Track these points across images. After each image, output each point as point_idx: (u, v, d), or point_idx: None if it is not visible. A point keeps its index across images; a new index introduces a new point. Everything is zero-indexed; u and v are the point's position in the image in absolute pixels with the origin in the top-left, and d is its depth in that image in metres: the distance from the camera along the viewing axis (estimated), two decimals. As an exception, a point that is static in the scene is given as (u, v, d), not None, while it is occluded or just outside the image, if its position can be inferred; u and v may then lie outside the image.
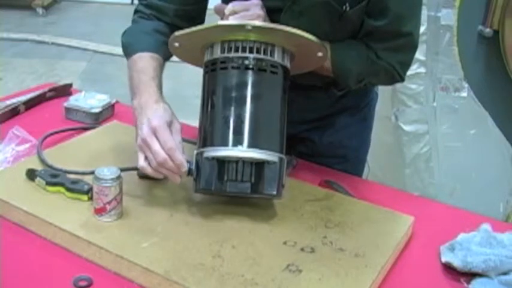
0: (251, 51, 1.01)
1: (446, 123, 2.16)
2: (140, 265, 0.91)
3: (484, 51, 2.08)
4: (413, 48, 1.21)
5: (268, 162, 0.99)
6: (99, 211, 1.00)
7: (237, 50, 1.01)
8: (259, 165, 0.99)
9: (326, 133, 1.39)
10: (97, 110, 1.44)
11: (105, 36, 4.97)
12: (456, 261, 0.98)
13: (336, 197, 1.15)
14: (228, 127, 1.00)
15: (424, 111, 2.15)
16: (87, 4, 6.00)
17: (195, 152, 1.02)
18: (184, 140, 1.28)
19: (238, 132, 0.99)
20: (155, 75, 1.11)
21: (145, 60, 1.14)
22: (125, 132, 1.33)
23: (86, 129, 1.38)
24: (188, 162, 1.01)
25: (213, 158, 0.99)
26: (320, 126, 1.38)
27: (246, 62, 1.01)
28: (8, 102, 1.47)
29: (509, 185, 2.21)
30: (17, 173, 1.11)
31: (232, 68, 1.02)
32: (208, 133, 1.02)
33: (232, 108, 1.01)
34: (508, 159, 2.19)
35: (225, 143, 0.99)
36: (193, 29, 1.03)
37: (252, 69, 1.01)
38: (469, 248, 0.99)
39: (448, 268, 1.00)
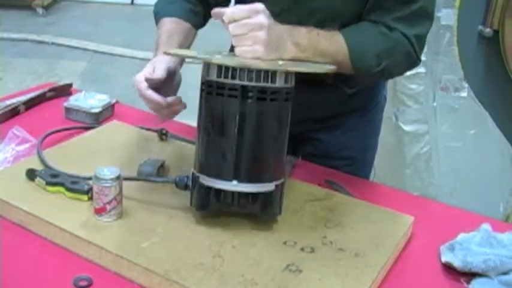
0: (250, 79, 0.93)
1: (446, 123, 2.16)
2: (140, 265, 0.91)
3: (484, 51, 2.08)
4: (428, 18, 1.14)
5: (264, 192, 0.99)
6: (99, 211, 1.00)
7: (234, 77, 0.93)
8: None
9: (335, 134, 1.38)
10: (97, 110, 1.43)
11: (105, 36, 4.97)
12: (456, 261, 0.98)
13: (336, 197, 1.15)
14: (223, 160, 0.97)
15: (424, 111, 2.15)
16: (87, 4, 6.00)
17: (192, 170, 1.01)
18: (184, 140, 1.30)
19: (233, 167, 0.96)
20: (168, 36, 1.18)
21: (164, 25, 1.22)
22: (125, 132, 1.34)
23: (86, 129, 1.38)
24: (186, 177, 1.03)
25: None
26: (328, 126, 1.37)
27: (244, 91, 0.93)
28: (8, 102, 1.47)
29: (509, 185, 2.22)
30: (17, 173, 1.11)
31: (229, 96, 0.94)
32: (204, 160, 0.99)
33: (228, 140, 0.96)
34: (508, 159, 2.19)
35: (219, 176, 0.97)
36: (186, 54, 0.99)
37: (251, 98, 0.94)
38: (469, 248, 0.99)
39: (448, 268, 1.00)
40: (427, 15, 1.14)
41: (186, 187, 1.03)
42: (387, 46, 1.12)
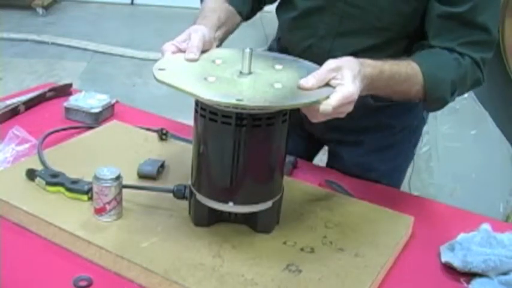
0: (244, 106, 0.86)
1: (447, 124, 2.16)
2: (140, 265, 0.91)
3: (484, 51, 2.08)
4: (491, 44, 1.11)
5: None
6: (99, 211, 1.00)
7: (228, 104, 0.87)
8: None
9: (356, 152, 1.32)
10: (97, 110, 1.43)
11: (105, 36, 4.97)
12: (456, 261, 0.98)
13: (336, 197, 1.15)
14: (219, 184, 0.96)
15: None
16: (87, 4, 6.00)
17: (190, 182, 1.01)
18: (184, 140, 1.30)
19: (229, 191, 0.95)
20: (211, 10, 1.14)
21: (207, 3, 1.18)
22: (125, 132, 1.34)
23: (86, 129, 1.38)
24: (184, 186, 1.02)
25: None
26: (347, 141, 1.33)
27: (238, 118, 0.89)
28: (8, 102, 1.46)
29: (509, 185, 2.22)
30: (17, 173, 1.11)
31: (223, 123, 0.90)
32: (199, 181, 0.98)
33: (223, 166, 0.94)
34: (508, 159, 2.19)
35: (215, 198, 0.96)
36: (177, 86, 0.87)
37: (245, 126, 0.90)
38: (469, 248, 0.99)
39: (448, 268, 1.00)
40: (489, 42, 1.11)
41: (184, 197, 1.03)
42: (460, 74, 1.09)
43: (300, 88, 0.91)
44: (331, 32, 1.19)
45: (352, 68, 0.93)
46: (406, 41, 1.17)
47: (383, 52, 1.12)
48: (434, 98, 1.10)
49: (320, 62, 0.96)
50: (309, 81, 0.91)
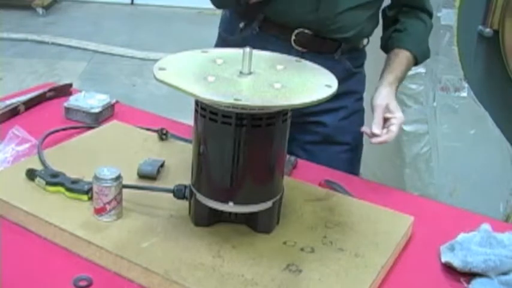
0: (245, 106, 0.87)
1: (446, 123, 2.17)
2: (140, 265, 0.91)
3: (484, 51, 2.08)
4: None
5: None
6: (99, 211, 1.00)
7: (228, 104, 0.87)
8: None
9: (338, 116, 1.42)
10: (97, 110, 1.43)
11: (105, 36, 4.97)
12: (456, 261, 0.98)
13: (336, 197, 1.15)
14: (219, 184, 0.96)
15: (424, 111, 2.15)
16: (87, 4, 6.01)
17: (190, 183, 1.01)
18: (184, 140, 1.30)
19: (229, 190, 0.95)
20: None
21: None
22: (125, 132, 1.34)
23: (86, 129, 1.38)
24: (184, 187, 1.02)
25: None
26: (333, 107, 1.40)
27: (238, 118, 0.89)
28: (8, 102, 1.46)
29: (509, 185, 2.22)
30: (17, 173, 1.11)
31: (223, 123, 0.91)
32: (199, 180, 0.98)
33: (223, 166, 0.94)
34: (508, 159, 2.19)
35: (215, 198, 0.96)
36: (177, 85, 0.87)
37: (245, 126, 0.90)
38: (469, 248, 1.00)
39: (448, 268, 1.00)
40: None
41: (184, 197, 1.03)
42: (428, 33, 1.43)
43: (374, 136, 1.22)
44: None
45: (393, 99, 1.26)
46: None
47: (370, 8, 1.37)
48: (423, 61, 1.44)
49: (322, 26, 1.28)
50: (377, 130, 1.21)
